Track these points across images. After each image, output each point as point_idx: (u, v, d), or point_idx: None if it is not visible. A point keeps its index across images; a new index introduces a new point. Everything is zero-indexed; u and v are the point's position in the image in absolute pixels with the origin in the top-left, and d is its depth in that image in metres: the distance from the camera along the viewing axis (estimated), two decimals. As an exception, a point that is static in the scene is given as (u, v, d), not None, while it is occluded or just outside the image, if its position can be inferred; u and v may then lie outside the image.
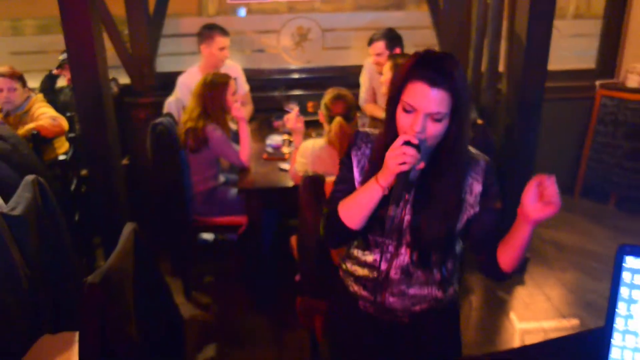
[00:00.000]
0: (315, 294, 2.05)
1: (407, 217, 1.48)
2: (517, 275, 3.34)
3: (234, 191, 3.10)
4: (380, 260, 1.53)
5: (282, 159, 3.18)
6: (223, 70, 3.57)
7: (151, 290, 1.73)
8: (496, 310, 3.04)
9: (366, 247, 1.55)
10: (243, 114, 3.05)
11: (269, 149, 3.31)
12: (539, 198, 1.28)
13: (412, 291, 1.54)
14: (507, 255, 1.42)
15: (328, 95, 2.60)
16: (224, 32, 3.52)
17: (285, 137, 3.41)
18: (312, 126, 3.42)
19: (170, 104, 3.54)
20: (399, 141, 1.32)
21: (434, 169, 1.41)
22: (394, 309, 1.57)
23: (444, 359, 1.60)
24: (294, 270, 2.82)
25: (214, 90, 2.96)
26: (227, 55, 3.57)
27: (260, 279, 3.17)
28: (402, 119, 1.36)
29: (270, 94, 4.12)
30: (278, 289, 3.17)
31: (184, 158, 3.02)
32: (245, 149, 3.03)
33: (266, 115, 3.89)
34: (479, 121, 3.02)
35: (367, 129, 1.56)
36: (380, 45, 3.51)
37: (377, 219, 1.47)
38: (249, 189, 2.87)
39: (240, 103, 3.16)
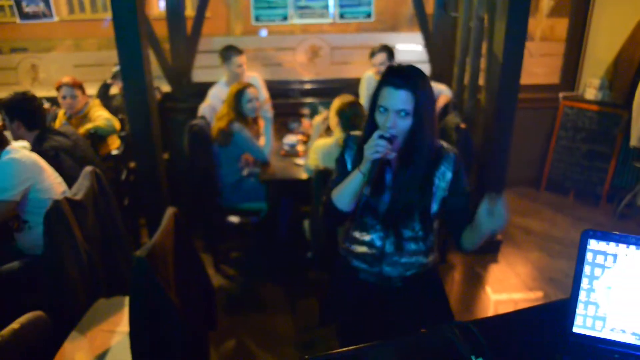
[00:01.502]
0: (324, 268, 2.03)
1: (386, 196, 1.51)
2: (491, 255, 3.31)
3: (256, 182, 3.09)
4: (376, 239, 1.56)
5: (297, 155, 3.17)
6: (246, 80, 3.56)
7: (188, 263, 1.73)
8: (474, 283, 3.02)
9: (363, 229, 1.58)
10: (270, 116, 3.04)
11: (286, 147, 3.30)
12: (491, 213, 1.31)
13: (403, 260, 1.57)
14: (467, 240, 1.48)
15: (340, 101, 2.52)
16: (238, 51, 3.46)
17: (300, 137, 3.39)
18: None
19: (203, 109, 3.53)
20: (375, 135, 1.37)
21: (406, 158, 1.45)
22: (390, 277, 1.59)
23: (434, 313, 1.62)
24: (306, 249, 2.81)
25: (235, 97, 2.96)
26: (244, 70, 3.50)
27: (277, 255, 3.18)
28: (378, 119, 1.42)
29: (287, 100, 4.11)
30: (293, 264, 3.17)
31: (215, 153, 3.02)
32: (268, 146, 3.02)
33: (283, 119, 3.87)
34: (462, 125, 2.98)
35: (356, 133, 1.58)
36: (382, 57, 3.48)
37: (370, 206, 1.51)
38: (269, 180, 2.86)
39: (264, 107, 3.15)
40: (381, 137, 1.36)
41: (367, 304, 1.63)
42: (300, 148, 3.25)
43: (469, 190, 1.53)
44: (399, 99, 1.37)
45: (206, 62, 4.23)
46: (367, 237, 1.57)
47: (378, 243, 1.57)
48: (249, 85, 3.03)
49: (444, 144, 1.55)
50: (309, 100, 4.14)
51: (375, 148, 1.36)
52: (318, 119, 2.88)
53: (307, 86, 4.36)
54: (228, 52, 3.47)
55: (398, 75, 1.38)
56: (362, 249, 1.59)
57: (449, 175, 1.49)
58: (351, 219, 1.59)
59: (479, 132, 3.30)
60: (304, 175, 2.80)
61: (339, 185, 1.49)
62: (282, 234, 3.11)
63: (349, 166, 1.55)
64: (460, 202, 1.50)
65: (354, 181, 1.44)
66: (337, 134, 2.55)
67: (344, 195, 1.47)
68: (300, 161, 3.03)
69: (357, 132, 1.59)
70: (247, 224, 3.60)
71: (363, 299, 1.64)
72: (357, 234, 1.60)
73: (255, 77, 3.79)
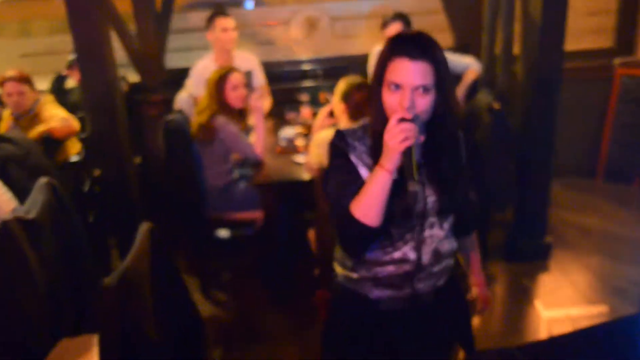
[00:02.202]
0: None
1: (427, 198, 1.49)
2: (540, 262, 3.30)
3: (249, 186, 3.09)
4: (409, 251, 1.51)
5: (296, 151, 3.16)
6: (238, 61, 3.55)
7: (169, 289, 1.71)
8: (520, 298, 3.00)
9: (389, 243, 1.51)
10: (260, 105, 3.04)
11: (283, 142, 3.30)
12: None
13: (436, 268, 1.55)
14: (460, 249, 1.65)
15: (346, 84, 2.50)
16: (222, 13, 3.48)
17: (299, 129, 3.39)
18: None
19: (181, 99, 3.53)
20: (393, 121, 1.34)
21: (434, 145, 1.44)
22: (421, 294, 1.56)
23: (459, 330, 1.64)
24: (313, 264, 2.79)
25: (215, 85, 2.97)
26: (233, 36, 3.49)
27: (278, 274, 3.16)
28: (389, 100, 1.39)
29: (282, 86, 4.10)
30: (297, 284, 3.15)
31: (197, 154, 3.02)
32: (260, 142, 3.02)
33: (278, 108, 3.87)
34: (496, 105, 2.97)
35: (350, 127, 1.55)
36: (397, 27, 3.46)
37: (396, 209, 1.45)
38: (264, 183, 2.86)
39: (254, 96, 3.15)
40: (402, 120, 1.33)
41: (386, 335, 1.59)
42: (299, 142, 3.25)
43: (470, 177, 1.56)
44: (417, 72, 1.35)
45: (181, 44, 4.24)
46: (396, 253, 1.51)
47: (412, 255, 1.51)
48: (232, 69, 3.03)
49: None
50: (307, 84, 4.14)
51: (401, 134, 1.32)
52: (322, 111, 2.87)
53: (305, 67, 4.35)
54: (210, 16, 3.49)
55: (412, 43, 1.36)
56: (388, 269, 1.52)
57: (463, 151, 1.54)
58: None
59: (517, 112, 3.28)
60: (305, 176, 2.80)
61: (360, 196, 1.42)
62: (282, 249, 3.10)
63: (364, 170, 1.49)
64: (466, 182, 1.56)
65: (380, 183, 1.38)
66: (344, 123, 2.54)
67: (370, 204, 1.39)
68: (300, 158, 3.02)
69: (350, 127, 1.55)
70: (239, 237, 3.60)
71: (381, 331, 1.59)
72: (376, 254, 1.53)
73: (251, 57, 3.79)
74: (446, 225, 1.54)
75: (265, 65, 4.12)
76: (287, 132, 3.37)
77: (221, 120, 2.93)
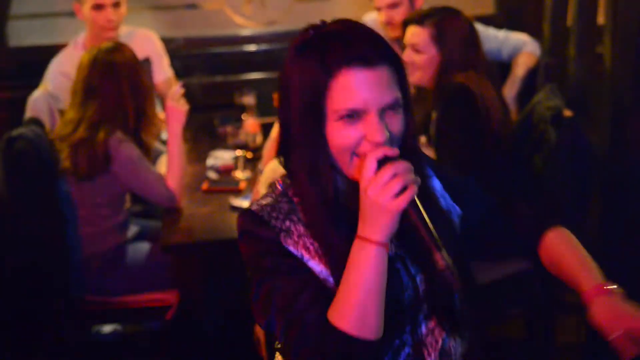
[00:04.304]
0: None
1: (416, 279, 1.58)
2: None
3: (154, 250, 3.11)
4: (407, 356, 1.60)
5: (235, 189, 3.19)
6: (125, 42, 3.56)
7: None
8: None
9: None
10: (179, 112, 3.11)
11: (212, 174, 3.34)
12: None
13: None
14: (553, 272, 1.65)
15: None
16: None
17: (239, 152, 3.43)
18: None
19: (36, 102, 3.55)
20: (369, 167, 1.40)
21: None
22: None
23: None
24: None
25: (115, 75, 2.99)
26: (110, 19, 3.56)
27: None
28: (342, 137, 1.45)
29: (209, 79, 4.18)
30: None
31: (64, 194, 3.03)
32: (176, 174, 3.06)
33: (205, 117, 3.92)
34: (567, 112, 3.04)
35: (260, 202, 1.62)
36: None
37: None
38: (179, 244, 2.87)
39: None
40: (384, 160, 1.39)
41: None
42: (240, 175, 3.29)
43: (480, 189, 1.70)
44: (381, 83, 1.43)
45: (38, 7, 4.24)
46: None
47: None
48: (120, 45, 3.08)
49: None
50: (253, 76, 4.21)
51: (396, 182, 1.37)
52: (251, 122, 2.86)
53: (250, 47, 4.42)
54: None
55: (357, 39, 1.45)
56: None
57: (436, 184, 1.67)
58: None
59: (601, 122, 3.31)
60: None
61: (342, 297, 1.46)
62: (209, 352, 3.09)
63: (314, 263, 1.55)
64: (478, 207, 1.67)
65: (375, 268, 1.42)
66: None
67: (367, 306, 1.44)
68: (241, 201, 3.05)
69: (267, 198, 1.62)
70: (137, 336, 3.57)
71: None
72: None
73: (150, 37, 3.87)
74: (457, 299, 1.62)
75: (175, 44, 4.11)
76: (220, 157, 3.42)
77: (116, 138, 2.95)
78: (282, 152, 1.56)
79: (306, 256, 1.53)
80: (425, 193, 1.53)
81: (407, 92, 1.50)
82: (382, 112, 1.43)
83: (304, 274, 1.52)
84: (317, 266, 1.53)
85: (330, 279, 1.51)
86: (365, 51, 1.42)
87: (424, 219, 1.41)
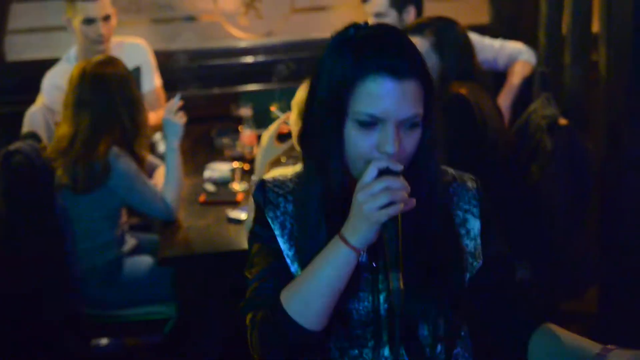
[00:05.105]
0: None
1: (383, 295, 1.58)
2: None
3: (152, 263, 3.11)
4: None
5: (232, 201, 3.20)
6: (116, 53, 3.61)
7: None
8: None
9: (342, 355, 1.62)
10: (176, 122, 3.09)
11: (209, 186, 3.34)
12: None
13: None
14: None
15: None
16: None
17: (236, 164, 3.43)
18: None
19: (33, 116, 3.55)
20: (370, 173, 1.41)
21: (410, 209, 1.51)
22: None
23: None
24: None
25: (106, 88, 2.99)
26: (101, 32, 3.54)
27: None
28: (356, 140, 1.47)
29: (205, 92, 4.18)
30: None
31: (62, 209, 3.03)
32: (173, 187, 3.06)
33: (201, 129, 3.91)
34: (562, 121, 3.05)
35: (275, 174, 1.68)
36: (380, 2, 3.60)
37: (340, 310, 1.55)
38: (178, 257, 2.88)
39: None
40: (386, 171, 1.41)
41: None
42: (237, 187, 3.29)
43: (509, 253, 1.65)
44: (406, 97, 1.44)
45: (35, 21, 4.23)
46: None
47: None
48: (111, 59, 3.08)
49: (450, 169, 1.71)
50: (250, 87, 4.20)
51: (385, 195, 1.38)
52: (271, 129, 2.85)
53: (246, 59, 4.42)
54: None
55: (394, 50, 1.45)
56: None
57: (474, 223, 1.63)
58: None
59: (598, 131, 3.32)
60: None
61: (299, 282, 1.51)
62: None
63: (282, 242, 1.60)
64: (496, 273, 1.63)
65: (339, 267, 1.46)
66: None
67: (317, 297, 1.48)
68: (239, 214, 3.06)
69: (281, 173, 1.67)
70: (137, 350, 3.56)
71: None
72: None
73: (140, 45, 3.86)
74: (440, 324, 1.60)
75: (170, 57, 4.11)
76: (217, 169, 3.41)
77: (114, 154, 2.95)
78: (301, 138, 1.58)
79: (277, 232, 1.58)
80: (441, 220, 1.57)
81: (431, 111, 1.50)
82: (400, 125, 1.44)
83: (276, 247, 1.58)
84: (282, 244, 1.58)
85: (288, 260, 1.57)
86: (397, 62, 1.42)
87: (397, 240, 1.41)
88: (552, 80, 3.73)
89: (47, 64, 3.70)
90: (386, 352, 1.57)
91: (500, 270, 1.63)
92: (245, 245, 2.76)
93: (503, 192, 2.84)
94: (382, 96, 1.42)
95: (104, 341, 3.50)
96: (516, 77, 3.65)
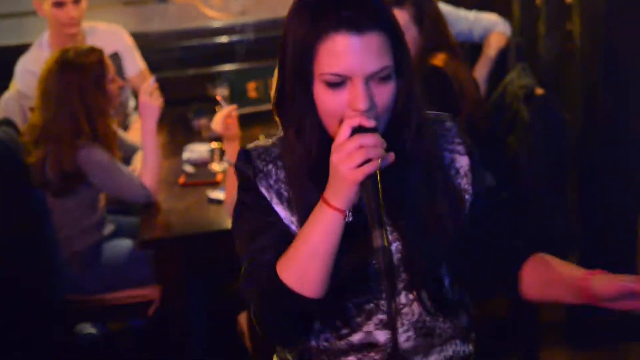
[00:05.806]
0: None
1: (395, 244, 1.58)
2: (623, 345, 3.36)
3: (132, 246, 3.11)
4: (378, 333, 1.61)
5: (212, 182, 3.20)
6: (91, 38, 3.61)
7: None
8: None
9: (342, 322, 1.61)
10: (152, 105, 3.09)
11: (188, 167, 3.34)
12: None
13: (433, 357, 1.64)
14: (534, 292, 1.57)
15: None
16: None
17: (214, 145, 3.43)
18: (258, 122, 3.48)
19: (7, 102, 3.53)
20: (343, 132, 1.40)
21: (395, 161, 1.49)
22: None
23: None
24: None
25: (77, 80, 2.97)
26: (72, 15, 3.53)
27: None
28: (327, 101, 1.46)
29: (182, 72, 4.18)
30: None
31: (38, 198, 3.02)
32: (151, 169, 3.05)
33: (178, 110, 3.91)
34: (538, 90, 3.05)
35: (257, 143, 1.66)
36: None
37: (346, 267, 1.53)
38: (158, 240, 2.88)
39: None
40: (358, 129, 1.41)
41: None
42: (217, 167, 3.30)
43: (494, 185, 1.68)
44: (370, 50, 1.41)
45: (3, 9, 4.25)
46: (355, 336, 1.61)
47: (382, 338, 1.61)
48: (91, 50, 3.05)
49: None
50: (226, 67, 4.19)
51: (359, 155, 1.38)
52: (219, 116, 2.86)
53: (222, 39, 4.42)
54: None
55: (350, 2, 1.42)
56: None
57: (463, 160, 1.65)
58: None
59: (574, 101, 3.34)
60: (229, 222, 2.75)
61: (292, 250, 1.49)
62: (194, 348, 3.08)
63: (280, 209, 1.59)
64: (483, 207, 1.64)
65: (326, 231, 1.46)
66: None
67: (310, 265, 1.47)
68: (218, 194, 3.05)
69: (262, 141, 1.66)
70: (119, 335, 3.58)
71: None
72: (326, 340, 1.63)
73: (116, 31, 3.84)
74: (445, 280, 1.64)
75: (152, 40, 4.08)
76: (196, 149, 3.42)
77: (84, 151, 2.93)
78: (278, 103, 1.57)
79: (275, 200, 1.57)
80: (434, 165, 1.58)
81: (405, 61, 1.49)
82: (369, 80, 1.42)
83: (270, 216, 1.56)
84: (283, 212, 1.56)
85: (293, 227, 1.55)
86: (355, 16, 1.40)
87: (378, 196, 1.40)
88: (528, 51, 3.76)
89: (20, 49, 3.68)
90: (402, 298, 1.59)
91: (491, 202, 1.64)
92: (227, 225, 2.79)
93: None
94: (344, 53, 1.41)
95: (88, 326, 3.51)
96: (492, 49, 3.65)
